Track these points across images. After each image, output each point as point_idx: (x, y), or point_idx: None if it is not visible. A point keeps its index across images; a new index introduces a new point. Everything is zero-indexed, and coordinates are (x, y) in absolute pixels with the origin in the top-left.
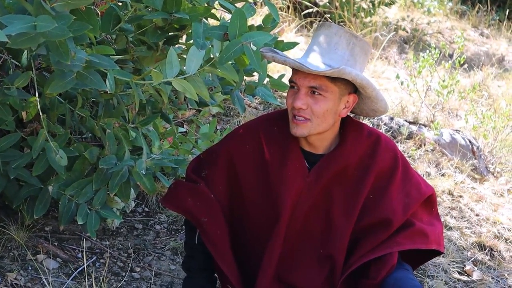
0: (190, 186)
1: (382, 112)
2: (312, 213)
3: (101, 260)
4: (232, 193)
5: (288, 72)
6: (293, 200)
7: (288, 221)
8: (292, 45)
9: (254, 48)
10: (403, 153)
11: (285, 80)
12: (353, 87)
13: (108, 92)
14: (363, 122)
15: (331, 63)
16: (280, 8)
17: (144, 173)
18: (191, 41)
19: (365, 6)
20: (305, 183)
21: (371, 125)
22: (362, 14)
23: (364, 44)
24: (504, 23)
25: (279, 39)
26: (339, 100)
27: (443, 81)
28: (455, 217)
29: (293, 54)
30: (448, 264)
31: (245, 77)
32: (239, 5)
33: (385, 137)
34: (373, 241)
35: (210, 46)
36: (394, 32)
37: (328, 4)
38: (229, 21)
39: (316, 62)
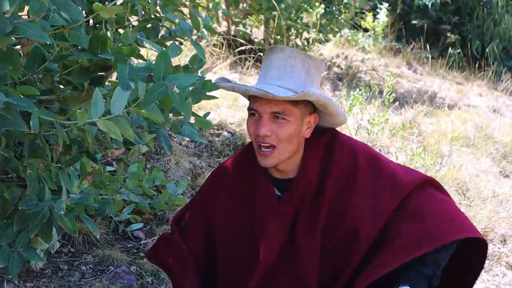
0: (166, 237)
1: (341, 124)
2: (286, 241)
3: None
4: (208, 239)
5: (214, 111)
6: (268, 239)
7: (266, 257)
8: None
9: (178, 91)
10: None
11: (210, 118)
12: (312, 107)
13: (32, 132)
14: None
15: (290, 86)
16: (214, 45)
17: (63, 213)
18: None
19: (299, 43)
20: (276, 217)
21: None
22: None
23: (318, 63)
24: (438, 60)
25: (207, 79)
26: (302, 122)
27: (373, 119)
28: None
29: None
30: None
31: (172, 116)
32: (167, 42)
33: (342, 139)
34: (345, 259)
35: (135, 86)
36: (327, 71)
37: (262, 41)
38: (154, 62)
39: (275, 87)
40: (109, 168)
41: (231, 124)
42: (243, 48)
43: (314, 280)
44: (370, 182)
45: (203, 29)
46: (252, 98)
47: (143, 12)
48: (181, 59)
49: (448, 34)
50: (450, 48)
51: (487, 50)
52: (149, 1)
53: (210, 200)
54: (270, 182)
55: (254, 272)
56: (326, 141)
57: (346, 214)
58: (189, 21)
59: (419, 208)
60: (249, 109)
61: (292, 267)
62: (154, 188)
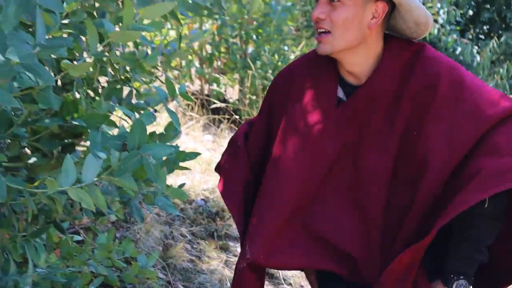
0: (229, 149)
1: (424, 24)
2: (342, 155)
3: None
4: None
5: (186, 175)
6: (311, 141)
7: (310, 165)
8: (194, 155)
9: (154, 161)
10: None
11: (186, 188)
12: None
13: None
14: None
15: None
16: (187, 105)
17: None
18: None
19: None
20: (331, 121)
21: None
22: None
23: None
24: None
25: (181, 149)
26: (363, 8)
27: None
28: None
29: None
30: None
31: (143, 185)
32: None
33: (430, 52)
34: (409, 195)
35: (108, 154)
36: None
37: (237, 101)
38: (128, 129)
39: None
40: (76, 237)
41: (204, 190)
42: (217, 105)
43: (378, 214)
44: (449, 107)
45: (179, 97)
46: None
47: (112, 73)
48: (153, 124)
49: None
50: None
51: None
52: (116, 66)
53: (273, 104)
54: (335, 82)
55: (291, 192)
56: (412, 51)
57: (416, 141)
58: (162, 86)
59: (503, 142)
60: None
61: (354, 195)
62: (123, 260)
